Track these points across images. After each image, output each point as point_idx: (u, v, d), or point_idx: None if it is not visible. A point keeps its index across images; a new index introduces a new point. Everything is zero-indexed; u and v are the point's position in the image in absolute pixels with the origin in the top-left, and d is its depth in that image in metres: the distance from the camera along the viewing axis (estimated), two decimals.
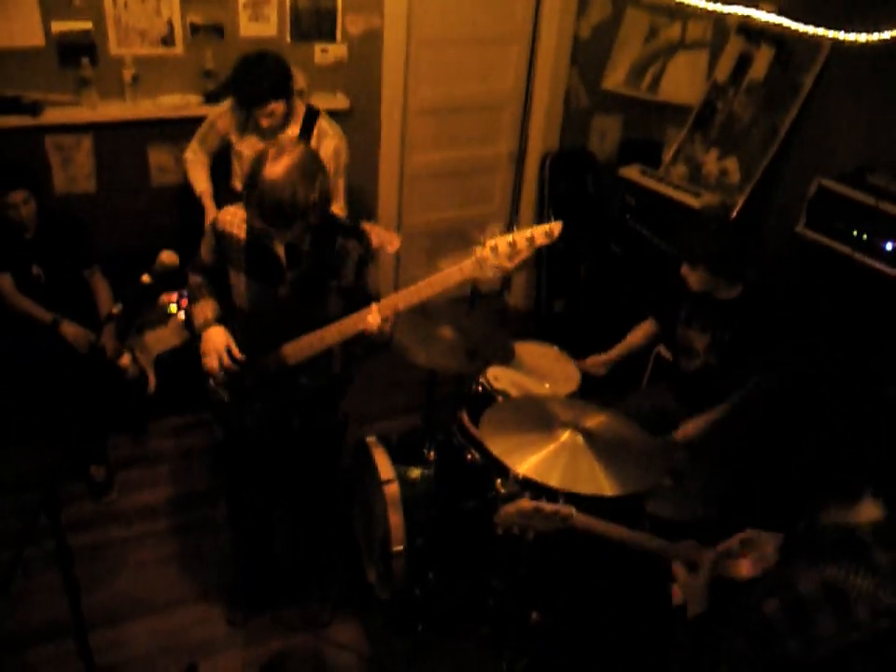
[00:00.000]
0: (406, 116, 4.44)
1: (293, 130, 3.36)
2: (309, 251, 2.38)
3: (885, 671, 1.33)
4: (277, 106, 3.23)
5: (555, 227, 2.25)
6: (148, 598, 3.08)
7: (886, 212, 3.08)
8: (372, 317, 2.31)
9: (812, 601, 1.32)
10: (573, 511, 2.00)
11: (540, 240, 2.26)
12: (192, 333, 2.59)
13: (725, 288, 2.89)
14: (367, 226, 3.11)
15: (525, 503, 1.96)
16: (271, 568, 3.13)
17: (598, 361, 3.29)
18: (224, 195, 3.53)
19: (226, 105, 3.45)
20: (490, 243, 2.23)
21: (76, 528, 3.22)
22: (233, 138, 3.46)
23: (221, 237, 2.46)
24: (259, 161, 2.19)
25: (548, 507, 1.97)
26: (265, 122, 3.27)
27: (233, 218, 2.43)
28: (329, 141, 3.39)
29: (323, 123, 3.41)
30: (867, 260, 3.13)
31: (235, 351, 2.45)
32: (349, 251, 2.41)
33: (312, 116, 3.39)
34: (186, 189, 3.72)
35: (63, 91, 3.63)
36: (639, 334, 3.33)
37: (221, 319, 2.51)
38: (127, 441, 3.81)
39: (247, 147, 3.41)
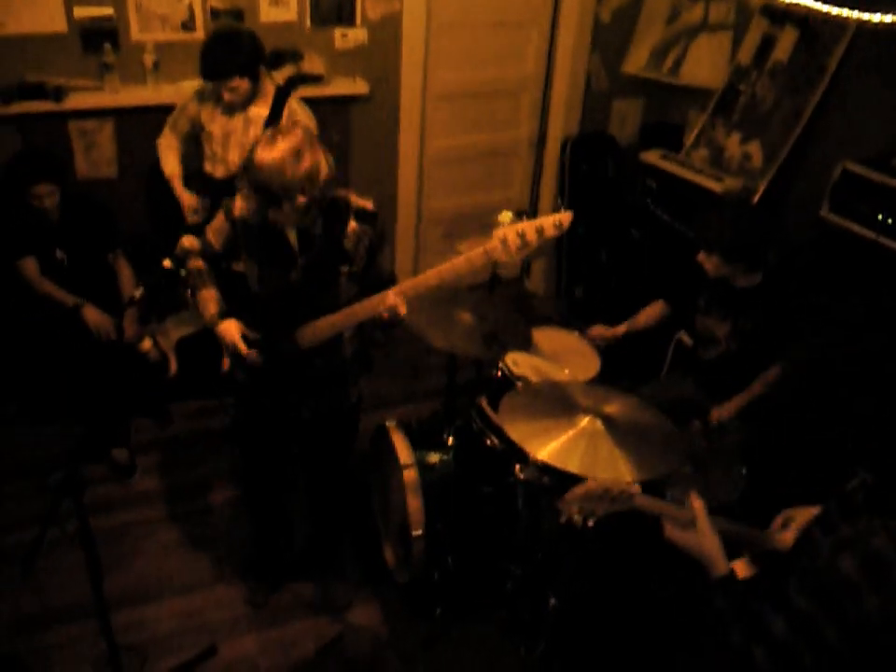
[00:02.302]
0: (425, 100, 4.42)
1: (261, 110, 3.34)
2: (321, 236, 2.39)
3: None
4: (241, 83, 3.22)
5: (565, 218, 2.21)
6: (169, 580, 3.11)
7: None
8: (387, 302, 2.31)
9: (888, 554, 1.31)
10: (639, 488, 1.95)
11: (550, 231, 2.22)
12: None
13: (744, 276, 2.87)
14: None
15: (592, 484, 1.92)
16: (288, 549, 3.16)
17: (603, 333, 3.27)
18: (197, 179, 3.54)
19: (195, 89, 3.45)
20: (499, 233, 2.21)
21: (98, 510, 3.25)
22: (203, 119, 3.44)
23: (234, 224, 2.47)
24: (256, 142, 2.23)
25: (615, 487, 1.92)
26: (226, 96, 3.26)
27: (190, 202, 2.45)
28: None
29: (294, 104, 3.38)
30: (892, 244, 3.09)
31: (249, 335, 2.48)
32: (361, 236, 2.41)
33: (282, 97, 3.37)
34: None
35: (85, 77, 3.65)
36: (648, 314, 3.29)
37: (225, 312, 2.52)
38: (148, 425, 3.84)
39: (217, 127, 3.40)
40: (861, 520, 1.39)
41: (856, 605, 1.31)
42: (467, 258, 2.25)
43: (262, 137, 2.23)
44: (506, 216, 2.32)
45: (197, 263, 2.57)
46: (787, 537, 1.84)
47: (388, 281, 2.43)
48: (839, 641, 1.32)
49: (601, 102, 4.76)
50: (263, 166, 2.17)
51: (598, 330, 3.28)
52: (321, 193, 2.27)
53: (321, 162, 2.24)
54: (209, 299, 2.54)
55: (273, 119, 3.31)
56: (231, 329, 2.49)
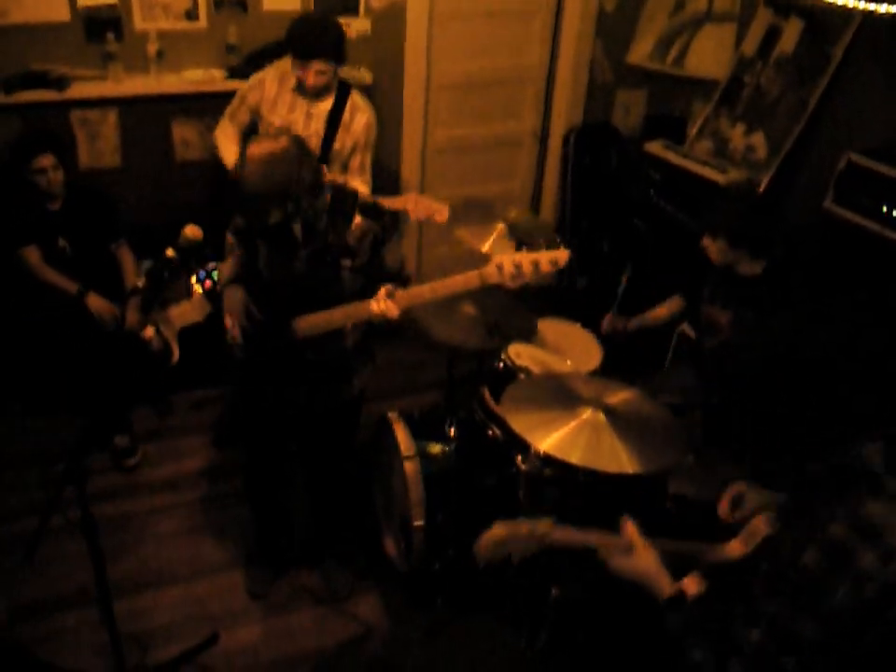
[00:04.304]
0: (429, 91, 4.41)
1: (327, 103, 3.34)
2: (324, 230, 2.40)
3: None
4: (329, 68, 3.20)
5: (562, 256, 2.26)
6: (171, 569, 3.12)
7: None
8: (377, 305, 2.34)
9: (847, 540, 1.30)
10: (551, 524, 1.88)
11: (546, 267, 2.27)
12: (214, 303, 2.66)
13: (748, 263, 2.86)
14: (414, 197, 3.12)
15: (498, 530, 1.90)
16: (289, 539, 3.17)
17: (616, 323, 3.27)
18: None
19: (256, 77, 3.43)
20: (497, 260, 2.27)
21: (101, 499, 3.27)
22: (264, 111, 3.42)
23: None
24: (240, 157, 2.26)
25: (523, 528, 1.87)
26: (312, 79, 3.19)
27: None
28: (362, 115, 3.37)
29: (356, 97, 3.39)
30: None
31: (254, 310, 2.53)
32: (366, 231, 2.42)
33: (344, 90, 3.37)
34: (210, 163, 3.73)
35: (88, 66, 3.64)
36: (664, 310, 3.31)
37: (238, 279, 2.59)
38: (150, 415, 3.85)
39: (278, 119, 3.38)
40: (820, 507, 1.37)
41: (827, 596, 1.30)
42: (463, 278, 2.33)
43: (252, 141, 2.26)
44: (513, 213, 2.35)
45: (230, 237, 2.64)
46: (735, 546, 1.82)
47: (397, 276, 2.45)
48: (819, 634, 1.31)
49: (605, 92, 4.74)
50: (246, 181, 2.21)
51: (611, 320, 3.29)
52: (304, 203, 2.30)
53: (299, 175, 2.25)
54: (228, 265, 2.64)
55: (337, 113, 3.32)
56: (235, 295, 2.56)
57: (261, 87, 3.39)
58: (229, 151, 3.50)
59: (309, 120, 3.34)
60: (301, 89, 3.29)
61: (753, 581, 1.46)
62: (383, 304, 2.34)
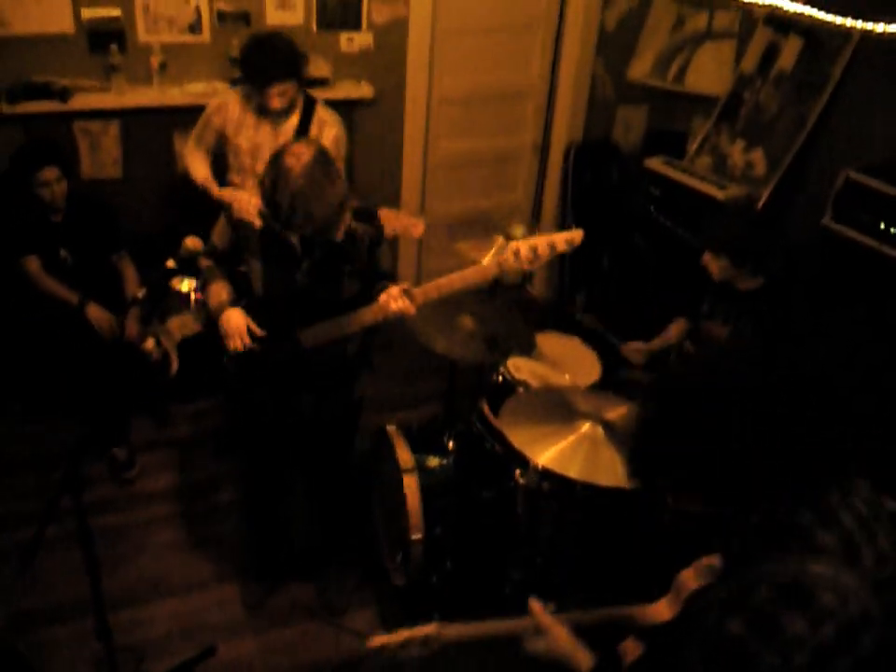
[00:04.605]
0: (430, 105, 4.43)
1: (293, 119, 3.33)
2: (323, 238, 2.39)
3: (866, 667, 1.21)
4: (290, 87, 3.19)
5: (577, 235, 2.30)
6: (168, 580, 3.11)
7: None
8: (395, 304, 2.33)
9: (774, 605, 1.20)
10: (436, 628, 1.85)
11: (562, 247, 2.31)
12: (208, 317, 2.62)
13: (748, 279, 2.87)
14: (389, 212, 3.12)
15: (378, 641, 1.85)
16: (287, 550, 3.16)
17: (638, 348, 3.27)
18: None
19: (218, 100, 3.42)
20: (513, 246, 2.28)
21: (97, 510, 3.25)
22: (229, 133, 3.41)
23: (237, 226, 2.48)
24: (278, 172, 2.17)
25: (401, 636, 1.82)
26: (276, 103, 3.20)
27: (248, 206, 2.45)
28: (330, 129, 3.35)
29: (322, 112, 3.37)
30: (894, 254, 3.09)
31: (255, 329, 2.48)
32: (361, 235, 2.42)
33: (310, 104, 3.35)
34: None
35: (91, 78, 3.67)
36: (674, 331, 3.31)
37: (235, 301, 2.54)
38: (149, 426, 3.85)
39: (244, 140, 3.38)
40: (748, 566, 1.29)
41: (756, 665, 1.21)
42: (479, 269, 2.34)
43: (285, 149, 2.20)
44: (518, 230, 2.39)
45: (207, 262, 2.58)
46: (659, 608, 1.76)
47: (391, 277, 2.45)
48: None
49: (605, 108, 4.77)
50: (292, 178, 2.14)
51: (634, 345, 3.28)
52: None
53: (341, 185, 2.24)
54: (221, 289, 2.55)
55: (304, 129, 3.31)
56: (236, 317, 2.48)
57: (225, 110, 3.38)
58: (199, 169, 3.48)
59: (276, 140, 3.30)
60: (264, 111, 3.29)
61: (684, 642, 1.38)
62: (401, 302, 2.34)
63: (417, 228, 3.23)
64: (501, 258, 2.29)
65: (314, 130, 3.34)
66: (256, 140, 3.36)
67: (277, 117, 3.31)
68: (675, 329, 3.31)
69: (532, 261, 2.28)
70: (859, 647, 1.18)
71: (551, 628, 1.66)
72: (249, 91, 3.32)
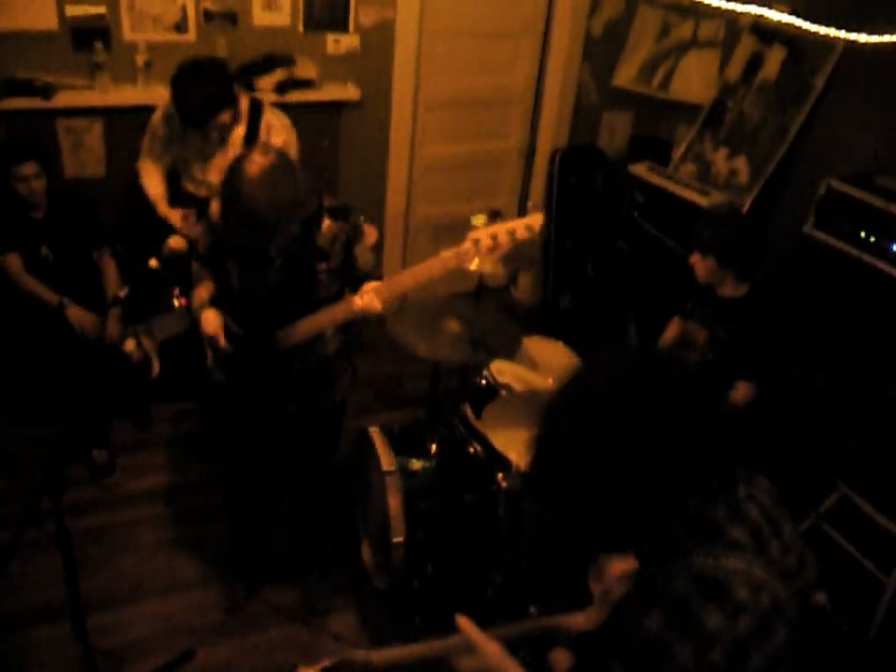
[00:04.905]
0: (417, 108, 4.43)
1: (241, 127, 3.27)
2: (296, 237, 2.38)
3: (779, 662, 1.22)
4: (224, 117, 3.15)
5: (535, 220, 2.24)
6: (147, 583, 3.09)
7: (894, 214, 3.07)
8: (360, 300, 2.33)
9: (690, 599, 1.21)
10: (366, 654, 1.81)
11: (521, 233, 2.25)
12: (193, 320, 2.62)
13: (732, 284, 2.88)
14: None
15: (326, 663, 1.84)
16: (268, 553, 3.14)
17: None
18: (176, 197, 3.51)
19: (161, 113, 3.40)
20: (473, 235, 2.24)
21: (77, 512, 3.23)
22: (176, 143, 3.39)
23: (213, 228, 2.48)
24: (234, 178, 2.17)
25: (354, 657, 1.79)
26: (215, 135, 3.20)
27: (190, 228, 2.47)
28: (277, 135, 3.28)
29: (270, 117, 3.31)
30: (875, 262, 3.13)
31: (234, 328, 2.49)
32: (336, 233, 2.42)
33: (256, 110, 3.29)
34: None
35: (75, 75, 3.64)
36: (671, 333, 3.30)
37: (215, 301, 2.55)
38: (129, 427, 3.82)
39: (193, 152, 3.36)
40: (661, 568, 1.29)
41: (670, 662, 1.21)
42: (440, 259, 2.30)
43: (240, 158, 2.19)
44: (479, 219, 2.35)
45: (195, 264, 2.61)
46: (579, 619, 1.77)
47: (372, 277, 2.45)
48: None
49: (591, 114, 4.79)
50: (247, 187, 2.14)
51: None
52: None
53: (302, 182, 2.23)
54: (203, 290, 2.58)
55: (251, 137, 3.26)
56: (212, 319, 2.50)
57: (170, 120, 3.35)
58: (153, 184, 3.49)
59: (225, 150, 3.28)
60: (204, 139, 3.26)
61: (608, 651, 1.39)
62: (366, 297, 2.33)
63: (371, 236, 3.21)
64: (461, 248, 2.25)
65: (262, 134, 3.28)
66: (205, 152, 3.33)
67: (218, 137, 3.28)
68: (671, 331, 3.31)
69: (492, 249, 2.23)
70: (774, 638, 1.19)
71: (483, 645, 1.63)
72: None
